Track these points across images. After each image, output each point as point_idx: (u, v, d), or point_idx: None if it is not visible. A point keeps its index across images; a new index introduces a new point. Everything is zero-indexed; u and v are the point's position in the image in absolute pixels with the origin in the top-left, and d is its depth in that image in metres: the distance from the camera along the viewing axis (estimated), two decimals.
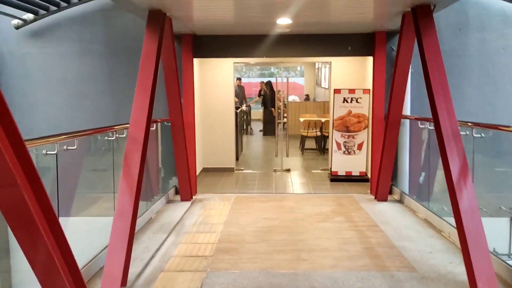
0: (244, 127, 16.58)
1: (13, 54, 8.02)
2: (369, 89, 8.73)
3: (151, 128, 6.78)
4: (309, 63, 19.10)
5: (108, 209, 5.85)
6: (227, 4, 5.83)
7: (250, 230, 6.04)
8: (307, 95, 19.26)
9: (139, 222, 6.18)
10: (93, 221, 6.16)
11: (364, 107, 9.00)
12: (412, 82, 7.50)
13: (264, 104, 16.29)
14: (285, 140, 11.03)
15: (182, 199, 7.68)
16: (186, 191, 7.64)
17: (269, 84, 16.31)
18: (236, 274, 4.60)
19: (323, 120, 12.63)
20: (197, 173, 9.20)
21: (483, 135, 5.05)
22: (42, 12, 7.59)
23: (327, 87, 14.13)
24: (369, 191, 8.19)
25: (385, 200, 7.55)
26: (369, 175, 8.72)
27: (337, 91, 9.11)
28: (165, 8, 5.75)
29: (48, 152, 3.85)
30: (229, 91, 10.25)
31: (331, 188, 8.65)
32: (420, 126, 6.96)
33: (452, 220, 5.61)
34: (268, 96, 15.94)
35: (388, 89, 7.29)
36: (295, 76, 24.90)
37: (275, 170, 10.30)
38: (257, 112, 18.38)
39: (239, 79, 17.13)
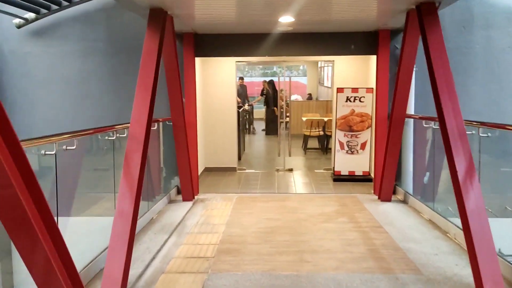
0: (247, 127, 16.50)
1: (14, 53, 7.97)
2: (373, 88, 8.65)
3: (152, 128, 6.74)
4: (311, 62, 19.00)
5: (110, 209, 5.79)
6: (229, 2, 5.76)
7: (252, 231, 5.97)
8: (310, 94, 19.18)
9: (141, 222, 6.12)
10: (95, 221, 6.10)
11: (367, 106, 8.91)
12: (416, 80, 7.42)
13: (267, 103, 16.21)
14: (287, 139, 10.95)
15: (184, 199, 7.61)
16: (188, 191, 7.57)
17: (271, 83, 16.23)
18: (238, 276, 4.53)
19: (325, 119, 12.55)
20: (199, 173, 9.13)
21: (489, 134, 4.96)
22: (43, 11, 7.54)
23: (330, 86, 14.04)
24: (372, 191, 8.11)
25: (388, 200, 7.47)
26: (372, 175, 8.63)
27: (340, 90, 9.03)
28: (166, 6, 5.67)
29: (46, 152, 3.75)
30: (231, 90, 10.17)
31: (334, 188, 8.57)
32: (425, 125, 6.87)
33: (457, 221, 5.55)
34: (271, 95, 15.86)
35: (392, 88, 7.22)
36: (297, 75, 24.81)
37: (277, 170, 10.23)
38: (260, 111, 18.30)
39: (241, 78, 17.05)
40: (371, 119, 8.86)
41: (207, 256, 5.09)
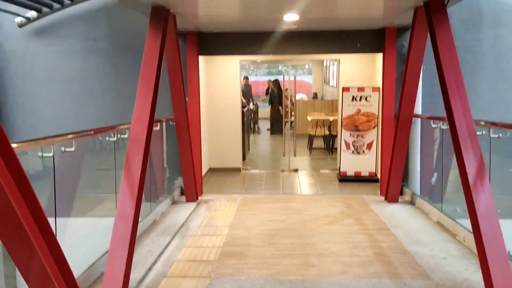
0: (251, 126, 16.39)
1: (16, 52, 7.88)
2: (379, 87, 8.52)
3: (155, 128, 6.65)
4: (317, 61, 18.87)
5: (113, 210, 5.68)
6: None
7: (256, 233, 5.85)
8: (315, 93, 19.04)
9: (143, 224, 6.03)
10: (98, 222, 6.01)
11: (374, 105, 8.78)
12: (423, 79, 7.28)
13: (272, 102, 16.11)
14: (292, 139, 10.82)
15: (188, 200, 7.51)
16: (192, 192, 7.47)
17: (276, 82, 16.13)
18: (241, 281, 4.41)
19: (331, 119, 12.40)
20: (203, 173, 9.03)
21: (500, 135, 4.82)
22: (45, 10, 7.44)
23: (335, 85, 13.91)
24: (379, 192, 7.98)
25: (395, 201, 7.33)
26: (378, 175, 8.50)
27: (345, 89, 8.90)
28: (169, 4, 5.56)
29: (44, 155, 3.64)
30: (236, 89, 10.06)
31: (340, 189, 8.45)
32: (433, 125, 6.73)
33: (466, 223, 5.43)
34: (276, 94, 15.75)
35: (399, 87, 7.09)
36: (303, 74, 24.71)
37: (282, 170, 10.10)
38: (265, 110, 18.19)
39: (246, 78, 16.95)
40: (378, 119, 8.72)
41: (210, 259, 4.98)
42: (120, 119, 6.19)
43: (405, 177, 7.52)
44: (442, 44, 4.96)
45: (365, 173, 8.95)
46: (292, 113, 11.43)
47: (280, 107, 14.71)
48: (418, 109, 7.36)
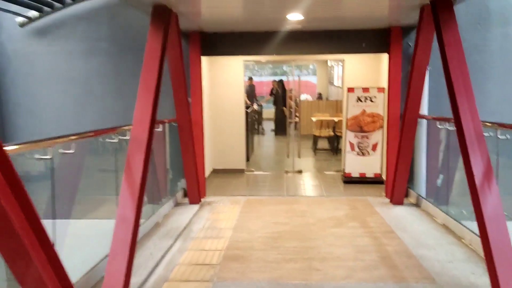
0: (256, 127, 16.31)
1: (18, 52, 7.85)
2: (384, 88, 8.42)
3: (157, 129, 6.58)
4: (321, 61, 18.76)
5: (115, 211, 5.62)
6: None
7: (260, 236, 5.77)
8: (320, 94, 18.94)
9: (145, 226, 5.96)
10: (99, 224, 5.93)
11: (379, 106, 8.68)
12: (429, 80, 7.18)
13: (276, 103, 16.02)
14: (297, 140, 10.72)
15: (191, 202, 7.44)
16: (195, 194, 7.40)
17: (281, 82, 16.03)
18: (243, 285, 4.34)
19: (336, 119, 12.31)
20: (207, 175, 8.96)
21: (508, 136, 4.72)
22: (47, 9, 7.40)
23: (340, 85, 13.82)
24: (384, 194, 7.88)
25: (401, 203, 7.23)
26: (384, 177, 8.40)
27: (350, 89, 8.80)
28: (171, 3, 5.49)
29: (41, 157, 3.57)
30: (239, 90, 9.98)
31: (345, 191, 8.35)
32: (439, 126, 6.63)
33: (472, 225, 5.33)
34: (280, 95, 15.66)
35: (404, 88, 6.99)
36: (307, 75, 24.60)
37: (286, 172, 10.01)
38: (269, 111, 18.10)
39: (250, 78, 16.88)
40: (383, 120, 8.62)
41: (213, 263, 4.90)
42: (123, 120, 6.12)
43: (410, 178, 7.42)
44: (449, 43, 4.87)
45: (370, 174, 8.84)
46: (297, 114, 11.34)
47: (285, 108, 14.62)
48: (424, 110, 7.26)
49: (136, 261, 4.85)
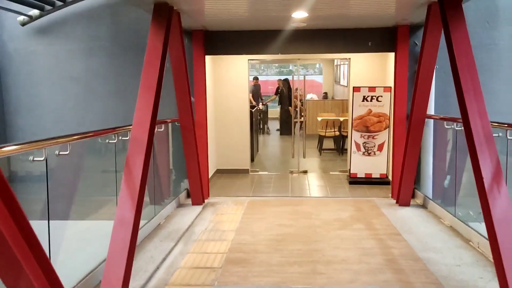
0: (261, 127, 16.20)
1: (19, 51, 7.77)
2: (391, 87, 8.29)
3: (159, 129, 6.49)
4: (327, 60, 18.65)
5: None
6: None
7: (263, 238, 5.66)
8: (326, 93, 18.80)
9: (147, 228, 5.87)
10: (98, 225, 5.84)
11: (385, 106, 8.55)
12: (436, 79, 7.05)
13: (281, 102, 15.90)
14: (302, 140, 10.60)
15: (194, 203, 7.34)
16: (198, 195, 7.30)
17: (286, 82, 15.89)
18: None
19: (341, 119, 12.20)
20: (211, 175, 8.87)
21: None
22: (48, 7, 7.31)
23: (346, 85, 13.69)
24: (390, 195, 7.75)
25: (407, 205, 7.11)
26: (390, 177, 8.28)
27: (356, 89, 8.68)
28: (172, 1, 5.39)
29: (35, 159, 3.48)
30: (244, 89, 9.87)
31: (350, 192, 8.22)
32: (446, 126, 6.50)
33: (479, 227, 5.20)
34: (285, 94, 15.52)
35: (411, 87, 6.87)
36: (313, 74, 24.45)
37: (291, 172, 9.91)
38: (275, 110, 17.98)
39: (255, 78, 16.77)
40: (389, 120, 8.50)
41: (214, 266, 4.79)
42: (124, 120, 6.03)
43: (417, 179, 7.29)
44: (457, 42, 4.74)
45: (376, 175, 8.72)
46: (302, 113, 11.22)
47: (290, 107, 14.50)
48: (431, 109, 7.13)
49: (136, 264, 4.76)
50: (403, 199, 7.10)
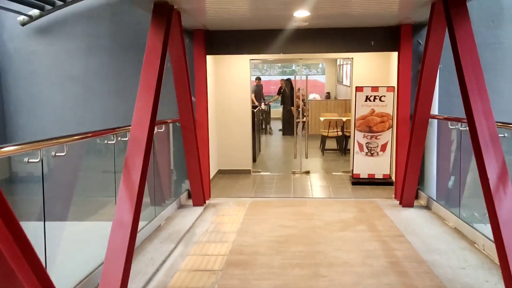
0: (263, 127, 16.13)
1: (19, 51, 7.71)
2: (394, 87, 8.21)
3: (160, 130, 6.43)
4: (330, 60, 18.57)
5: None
6: None
7: (265, 240, 5.58)
8: (328, 93, 18.72)
9: (147, 229, 5.81)
10: (97, 226, 5.78)
11: (388, 105, 8.46)
12: (440, 78, 6.96)
13: (283, 102, 15.82)
14: (304, 140, 10.51)
15: (195, 204, 7.27)
16: (199, 196, 7.23)
17: (289, 81, 15.81)
18: None
19: (344, 119, 12.11)
20: (212, 176, 8.81)
21: None
22: (48, 7, 7.25)
23: (348, 84, 13.61)
24: (393, 196, 7.66)
25: (411, 206, 7.02)
26: (393, 178, 8.19)
27: (359, 88, 8.60)
28: (172, 0, 5.32)
29: (30, 160, 3.41)
30: (246, 89, 9.80)
31: (353, 192, 8.14)
32: (450, 126, 6.41)
33: (484, 229, 5.12)
34: (288, 94, 15.44)
35: (414, 87, 6.78)
36: (316, 74, 24.37)
37: (293, 172, 9.83)
38: (278, 111, 17.91)
39: (258, 78, 16.70)
40: (392, 120, 8.41)
41: (215, 269, 4.72)
42: (124, 121, 5.97)
43: (420, 180, 7.20)
44: (461, 41, 4.66)
45: (379, 175, 8.63)
46: (305, 114, 11.14)
47: (293, 107, 14.43)
48: (434, 109, 7.04)
49: (136, 266, 4.70)
50: (406, 200, 7.01)
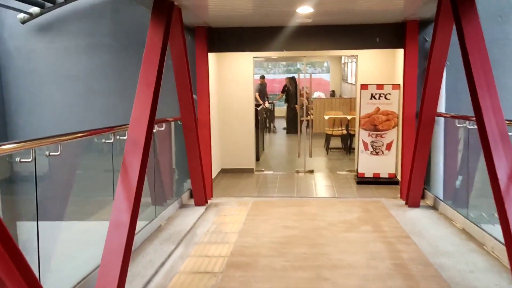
0: (267, 125, 16.00)
1: (19, 49, 7.62)
2: (399, 84, 8.07)
3: (160, 128, 6.32)
4: (335, 58, 18.43)
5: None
6: None
7: (267, 241, 5.46)
8: (333, 91, 18.57)
9: (147, 230, 5.70)
10: (96, 226, 5.67)
11: (394, 103, 8.32)
12: (447, 76, 6.81)
13: (287, 101, 15.69)
14: (308, 139, 10.38)
15: (196, 204, 7.15)
16: (201, 195, 7.11)
17: (293, 79, 15.68)
18: None
19: (349, 117, 11.97)
20: (215, 175, 8.70)
21: None
22: (48, 5, 7.15)
23: (353, 82, 13.46)
24: (399, 196, 7.52)
25: (417, 206, 6.88)
26: (398, 177, 8.05)
27: (364, 86, 8.46)
28: None
29: (22, 160, 3.29)
30: (249, 87, 9.68)
31: (358, 192, 8.00)
32: (458, 125, 6.27)
33: (493, 230, 4.97)
34: (292, 92, 15.31)
35: (421, 84, 6.63)
36: (321, 72, 24.25)
37: (297, 171, 9.70)
38: (282, 109, 17.79)
39: (262, 77, 16.58)
40: (398, 118, 8.27)
41: (215, 271, 4.60)
42: (125, 120, 5.86)
43: (427, 179, 7.06)
44: (469, 37, 4.53)
45: (384, 174, 8.50)
46: (309, 112, 11.00)
47: (297, 106, 14.29)
48: (441, 107, 6.89)
49: (134, 268, 4.59)
50: (412, 200, 6.87)
